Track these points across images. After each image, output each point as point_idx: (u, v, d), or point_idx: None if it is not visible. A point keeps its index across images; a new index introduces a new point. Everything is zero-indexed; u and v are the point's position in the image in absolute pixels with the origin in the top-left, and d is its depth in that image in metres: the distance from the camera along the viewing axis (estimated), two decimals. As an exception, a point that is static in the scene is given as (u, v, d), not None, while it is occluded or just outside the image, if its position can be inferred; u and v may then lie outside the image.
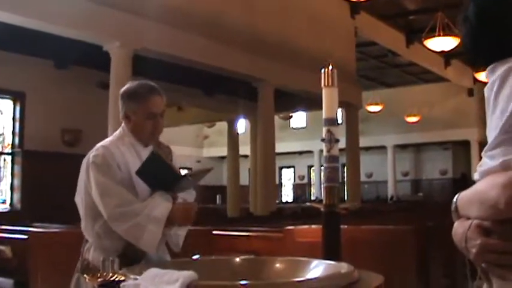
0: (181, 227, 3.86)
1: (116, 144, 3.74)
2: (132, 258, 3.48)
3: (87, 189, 3.65)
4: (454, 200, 1.89)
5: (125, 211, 3.52)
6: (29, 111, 16.78)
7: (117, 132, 3.88)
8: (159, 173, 3.58)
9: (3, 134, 17.10)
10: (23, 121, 16.82)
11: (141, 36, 14.26)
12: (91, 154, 3.69)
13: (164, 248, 3.88)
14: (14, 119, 17.11)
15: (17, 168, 16.86)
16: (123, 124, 3.84)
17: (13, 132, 17.02)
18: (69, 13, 12.95)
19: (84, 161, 3.71)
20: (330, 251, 3.65)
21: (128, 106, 3.76)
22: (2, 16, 12.44)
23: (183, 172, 3.90)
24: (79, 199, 3.74)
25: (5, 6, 12.11)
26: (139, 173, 3.56)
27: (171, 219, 3.57)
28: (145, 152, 3.72)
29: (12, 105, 17.09)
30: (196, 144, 37.92)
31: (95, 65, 16.10)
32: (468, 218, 1.80)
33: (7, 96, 16.95)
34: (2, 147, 17.09)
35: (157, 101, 3.78)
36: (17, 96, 16.74)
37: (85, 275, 2.73)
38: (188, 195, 3.99)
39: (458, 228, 1.83)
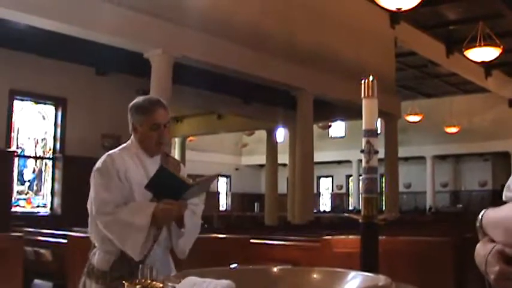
0: (188, 236, 4.03)
1: (121, 154, 4.01)
2: (132, 260, 3.75)
3: (90, 194, 3.95)
4: (480, 216, 1.87)
5: (113, 216, 3.79)
6: (70, 117, 16.95)
7: (127, 143, 4.15)
8: (167, 185, 3.76)
9: (45, 139, 17.29)
10: (64, 127, 17.00)
11: (181, 45, 14.33)
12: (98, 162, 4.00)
13: (167, 253, 4.10)
14: (55, 124, 17.29)
15: (57, 173, 17.05)
16: (132, 136, 4.11)
17: (54, 138, 17.21)
18: (110, 21, 13.07)
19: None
20: (367, 263, 3.64)
21: (135, 118, 4.04)
22: (45, 23, 12.60)
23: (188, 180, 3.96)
24: (88, 205, 3.98)
25: (48, 14, 12.26)
26: (147, 186, 3.75)
27: (154, 223, 3.76)
28: (150, 162, 4.00)
29: (54, 111, 17.28)
30: (235, 152, 37.95)
31: (135, 72, 16.23)
32: (492, 240, 1.78)
33: (49, 102, 17.15)
34: (44, 152, 17.28)
35: (161, 112, 4.00)
36: (58, 102, 16.93)
37: (124, 282, 2.76)
38: (197, 199, 4.19)
39: (480, 250, 1.82)
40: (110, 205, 3.81)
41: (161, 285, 2.61)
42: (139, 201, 3.85)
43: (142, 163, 4.00)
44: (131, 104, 4.08)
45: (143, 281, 2.66)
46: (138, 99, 4.09)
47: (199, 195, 4.12)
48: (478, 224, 1.88)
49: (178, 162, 4.32)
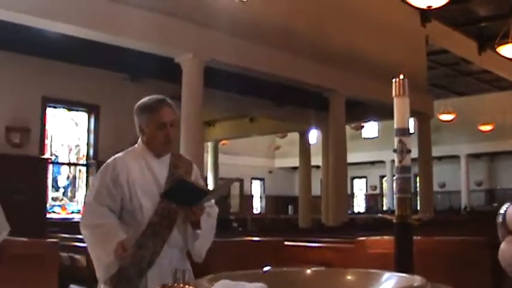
0: (204, 238, 4.01)
1: (125, 157, 4.03)
2: (138, 263, 3.78)
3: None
4: (502, 211, 1.79)
5: (88, 231, 3.89)
6: (102, 123, 17.06)
7: (134, 146, 4.13)
8: (185, 194, 3.73)
9: (78, 145, 17.42)
10: (97, 133, 17.11)
11: (212, 48, 14.36)
12: None
13: (184, 257, 4.04)
14: (88, 131, 17.43)
15: (91, 179, 17.15)
16: (139, 139, 4.09)
17: (88, 144, 17.33)
18: (141, 26, 13.14)
19: None
20: (402, 263, 3.60)
21: (140, 119, 4.02)
22: (77, 31, 12.71)
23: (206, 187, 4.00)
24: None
25: (79, 22, 12.36)
26: (163, 195, 3.77)
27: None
28: (158, 163, 4.00)
29: (87, 118, 17.41)
30: (268, 155, 37.95)
31: (167, 77, 16.25)
32: None
33: (82, 109, 17.28)
34: (77, 159, 17.41)
35: (166, 111, 3.97)
36: (91, 109, 17.04)
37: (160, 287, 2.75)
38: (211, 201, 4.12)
39: (506, 250, 1.76)
40: (92, 215, 3.88)
41: (193, 288, 2.59)
42: (109, 230, 3.80)
43: (148, 165, 3.97)
44: (137, 105, 4.06)
45: (176, 285, 2.64)
46: (144, 99, 4.06)
47: (216, 198, 4.09)
48: (500, 220, 1.82)
49: (190, 162, 4.24)
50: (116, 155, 4.06)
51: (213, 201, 4.14)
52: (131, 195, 3.87)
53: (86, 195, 4.10)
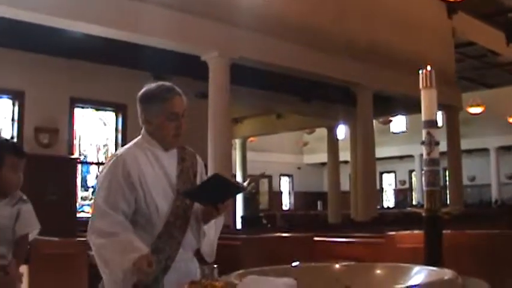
0: (215, 236, 3.75)
1: (132, 152, 3.63)
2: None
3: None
4: None
5: (99, 243, 3.40)
6: (130, 122, 17.09)
7: (137, 139, 3.76)
8: (216, 190, 3.46)
9: (106, 145, 17.49)
10: (125, 132, 17.16)
11: (238, 45, 14.37)
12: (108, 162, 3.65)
13: (194, 258, 3.73)
14: (116, 130, 17.51)
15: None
16: (142, 130, 3.74)
17: (116, 143, 17.39)
18: (167, 25, 13.20)
19: None
20: (431, 257, 3.57)
21: (148, 110, 3.66)
22: (102, 31, 12.81)
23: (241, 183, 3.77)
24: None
25: (104, 22, 12.44)
26: (187, 194, 3.50)
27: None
28: (167, 157, 3.65)
29: (115, 117, 17.48)
30: (296, 151, 37.86)
31: (193, 75, 16.28)
32: None
33: (109, 109, 17.36)
34: (106, 158, 17.46)
35: (178, 101, 3.66)
36: (118, 108, 17.09)
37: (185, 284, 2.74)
38: None
39: None
40: (104, 221, 3.41)
41: (221, 284, 2.58)
42: (126, 240, 3.36)
43: (157, 160, 3.61)
44: (141, 93, 3.70)
45: (203, 281, 2.64)
46: (149, 86, 3.71)
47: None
48: None
49: (195, 154, 3.83)
50: (120, 150, 3.70)
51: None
52: (145, 195, 3.49)
53: (94, 197, 3.62)
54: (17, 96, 15.52)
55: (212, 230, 3.70)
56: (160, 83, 3.74)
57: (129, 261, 3.24)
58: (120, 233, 3.37)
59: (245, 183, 3.64)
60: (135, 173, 3.50)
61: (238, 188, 3.63)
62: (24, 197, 3.38)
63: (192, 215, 3.59)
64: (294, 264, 3.16)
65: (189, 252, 3.66)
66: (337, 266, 3.06)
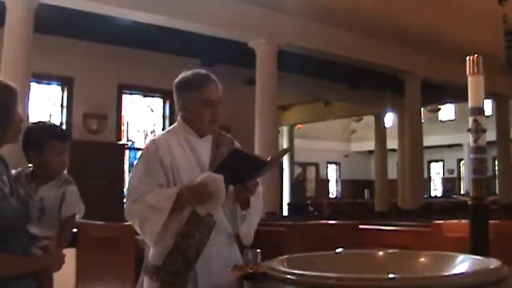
0: (253, 219, 3.72)
1: (166, 139, 3.69)
2: (185, 253, 3.48)
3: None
4: None
5: (135, 203, 3.52)
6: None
7: (173, 125, 3.84)
8: (239, 167, 3.45)
9: (154, 131, 17.62)
10: (172, 118, 17.24)
11: (285, 32, 14.36)
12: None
13: (232, 242, 3.72)
14: (163, 116, 17.66)
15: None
16: (179, 117, 3.80)
17: (163, 129, 17.40)
18: (214, 12, 13.24)
19: None
20: (477, 246, 3.53)
21: (184, 97, 3.71)
22: (149, 18, 12.91)
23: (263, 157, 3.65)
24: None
25: (152, 8, 12.51)
26: (217, 171, 3.44)
27: (181, 201, 3.44)
28: (202, 144, 3.69)
29: (162, 103, 17.63)
30: (343, 139, 37.69)
31: (241, 62, 16.31)
32: None
33: (157, 95, 17.49)
34: (150, 144, 17.61)
35: (214, 88, 3.69)
36: (166, 95, 17.20)
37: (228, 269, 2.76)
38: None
39: None
40: (137, 194, 3.53)
41: (263, 269, 2.59)
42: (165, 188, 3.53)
43: (191, 147, 3.66)
44: (177, 80, 3.76)
45: (246, 266, 2.65)
46: (186, 74, 3.76)
47: (263, 175, 3.78)
48: None
49: (232, 140, 3.87)
50: (156, 137, 3.79)
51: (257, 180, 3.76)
52: (175, 180, 3.56)
53: (129, 180, 3.71)
54: (66, 82, 15.72)
55: (252, 213, 3.69)
56: (196, 70, 3.79)
57: (174, 193, 3.42)
58: (154, 190, 3.50)
59: (268, 159, 3.56)
60: (167, 158, 3.57)
61: (260, 163, 3.55)
62: (70, 178, 3.43)
63: (227, 198, 3.54)
64: (338, 250, 3.15)
65: (224, 236, 3.64)
66: (380, 253, 3.06)
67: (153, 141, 3.70)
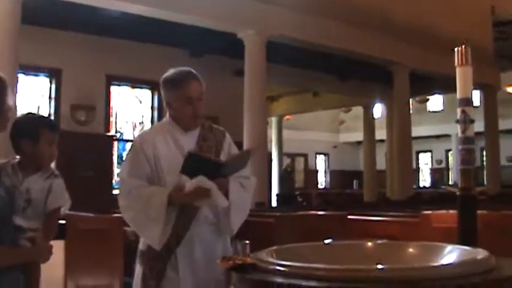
0: (236, 212, 3.83)
1: (152, 133, 4.03)
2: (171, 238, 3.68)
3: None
4: None
5: (129, 201, 3.76)
6: (167, 101, 17.17)
7: (162, 120, 4.14)
8: (201, 168, 3.57)
9: (142, 122, 17.58)
10: (161, 110, 17.22)
11: (274, 23, 14.34)
12: None
13: (217, 231, 3.87)
14: (152, 108, 17.63)
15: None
16: (167, 112, 4.02)
17: (152, 121, 17.48)
18: (203, 3, 13.22)
19: None
20: (465, 236, 3.55)
21: (167, 94, 3.93)
22: (138, 9, 12.86)
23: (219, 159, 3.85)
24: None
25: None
26: (183, 172, 3.59)
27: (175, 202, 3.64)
28: (186, 138, 3.90)
29: (151, 95, 17.59)
30: (332, 130, 37.72)
31: (229, 53, 16.29)
32: None
33: (145, 86, 17.46)
34: (143, 136, 17.59)
35: (194, 85, 3.88)
36: (154, 86, 17.13)
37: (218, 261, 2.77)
38: (247, 172, 3.99)
39: None
40: (127, 187, 3.79)
41: (252, 260, 2.59)
42: (154, 189, 3.73)
43: (175, 141, 3.88)
44: (162, 79, 3.96)
45: (235, 257, 2.66)
46: (169, 72, 3.97)
47: (240, 170, 3.88)
48: None
49: (223, 132, 4.09)
50: (143, 132, 4.14)
51: (248, 172, 4.01)
52: (158, 171, 3.80)
53: (119, 174, 4.06)
54: (54, 74, 15.66)
55: (233, 206, 3.79)
56: (179, 68, 3.97)
57: (164, 198, 3.61)
58: (144, 184, 3.76)
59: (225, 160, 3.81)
60: (150, 152, 3.81)
61: (218, 164, 3.70)
62: (56, 172, 3.47)
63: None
64: (326, 241, 3.16)
65: (205, 226, 3.80)
66: (369, 243, 3.07)
67: (139, 136, 4.09)
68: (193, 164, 3.56)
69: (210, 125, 4.06)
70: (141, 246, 3.85)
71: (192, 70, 3.96)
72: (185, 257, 3.70)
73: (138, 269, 3.85)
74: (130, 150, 4.00)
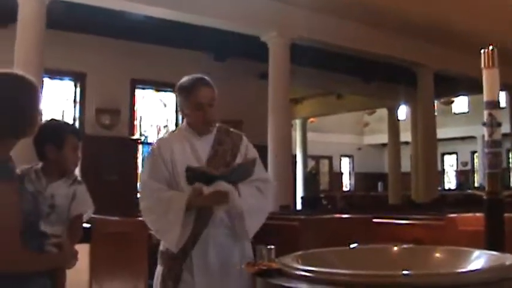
0: (251, 216, 3.87)
1: (169, 138, 4.12)
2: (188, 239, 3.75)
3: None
4: None
5: (150, 204, 3.86)
6: (191, 103, 17.20)
7: (180, 126, 4.29)
8: (201, 178, 3.68)
9: (167, 125, 17.64)
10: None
11: (297, 25, 14.33)
12: None
13: (234, 235, 3.90)
14: (176, 111, 17.63)
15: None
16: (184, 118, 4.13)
17: (176, 124, 17.51)
18: (227, 6, 13.24)
19: None
20: (492, 241, 3.51)
21: (181, 101, 4.03)
22: (162, 13, 12.93)
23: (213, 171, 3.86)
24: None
25: (164, 3, 12.52)
26: (190, 183, 3.72)
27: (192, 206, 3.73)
28: (201, 142, 3.97)
29: (175, 98, 17.59)
30: (356, 132, 37.59)
31: (253, 56, 16.29)
32: None
33: (170, 90, 17.46)
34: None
35: (203, 91, 3.92)
36: (180, 90, 17.20)
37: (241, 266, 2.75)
38: (265, 175, 4.14)
39: None
40: (148, 190, 3.89)
41: (277, 265, 2.58)
42: (173, 193, 3.81)
43: (191, 145, 3.95)
44: (177, 84, 4.05)
45: (260, 262, 2.64)
46: (183, 79, 4.04)
47: (246, 178, 3.86)
48: None
49: (240, 135, 4.12)
50: (161, 137, 4.19)
51: (267, 175, 4.14)
52: (175, 176, 3.87)
53: (140, 178, 4.15)
54: (78, 78, 15.75)
55: (251, 210, 3.86)
56: (192, 75, 4.03)
57: (182, 202, 3.70)
58: (163, 188, 3.85)
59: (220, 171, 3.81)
60: (167, 157, 3.90)
61: (211, 175, 3.73)
62: (79, 179, 3.49)
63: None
64: (352, 246, 3.14)
65: (220, 229, 3.86)
66: (395, 248, 3.04)
67: (157, 141, 4.14)
68: (193, 176, 3.67)
69: (227, 128, 4.11)
70: (161, 247, 3.94)
71: (205, 76, 4.02)
72: (199, 259, 3.77)
73: (159, 269, 3.94)
74: (148, 155, 4.09)
